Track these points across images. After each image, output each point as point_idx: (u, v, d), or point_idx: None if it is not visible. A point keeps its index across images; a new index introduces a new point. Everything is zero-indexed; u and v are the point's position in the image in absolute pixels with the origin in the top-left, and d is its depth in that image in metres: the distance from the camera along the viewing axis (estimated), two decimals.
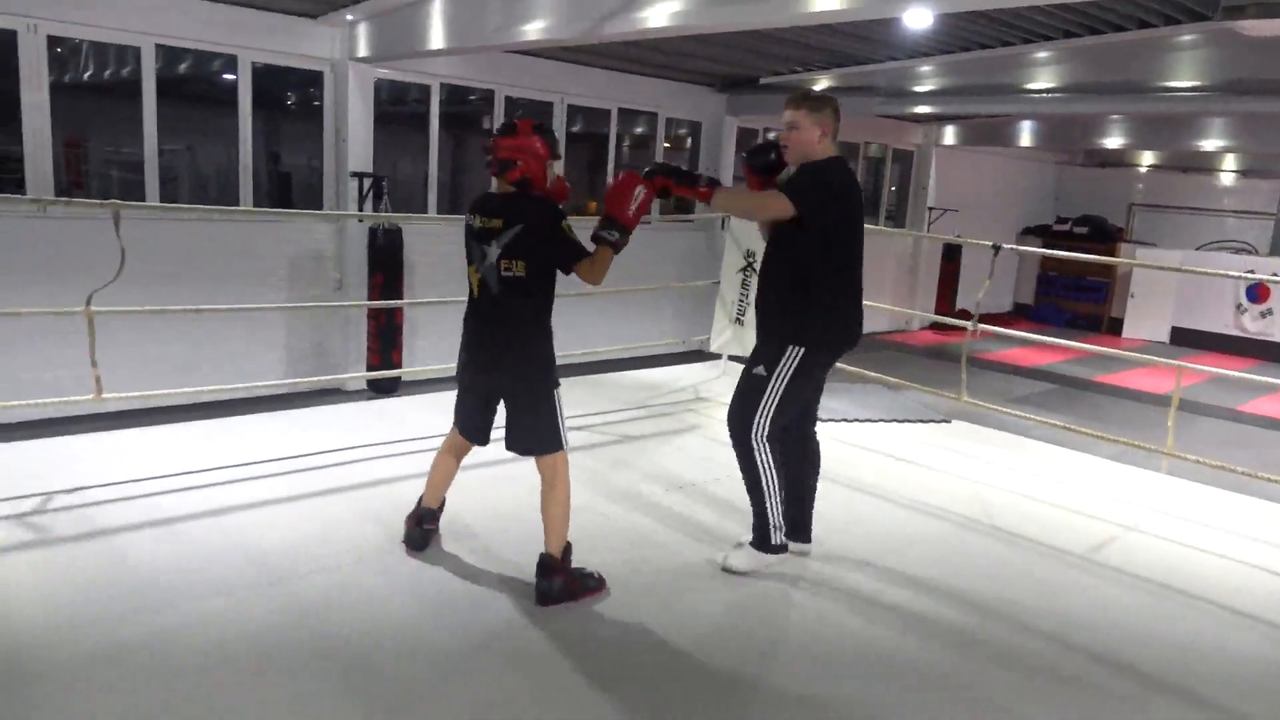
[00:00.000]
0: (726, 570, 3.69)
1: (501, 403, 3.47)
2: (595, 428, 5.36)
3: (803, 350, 3.48)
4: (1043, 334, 6.83)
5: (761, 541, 3.69)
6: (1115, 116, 12.14)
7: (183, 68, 7.88)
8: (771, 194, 3.47)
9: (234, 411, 5.27)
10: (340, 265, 8.65)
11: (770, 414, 3.54)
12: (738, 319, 6.19)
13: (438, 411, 4.69)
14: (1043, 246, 15.24)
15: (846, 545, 4.01)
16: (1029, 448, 5.75)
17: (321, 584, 3.35)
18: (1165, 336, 15.26)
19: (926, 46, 8.82)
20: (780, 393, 3.50)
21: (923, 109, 10.57)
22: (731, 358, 6.54)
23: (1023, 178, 16.91)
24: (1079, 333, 15.61)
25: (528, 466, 3.48)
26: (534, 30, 6.25)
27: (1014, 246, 5.87)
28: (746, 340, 6.21)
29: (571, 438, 4.96)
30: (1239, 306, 14.72)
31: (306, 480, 4.29)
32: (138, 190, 8.05)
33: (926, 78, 9.69)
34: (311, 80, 8.49)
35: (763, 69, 10.52)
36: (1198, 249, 15.37)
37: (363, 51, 8.07)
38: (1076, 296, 16.71)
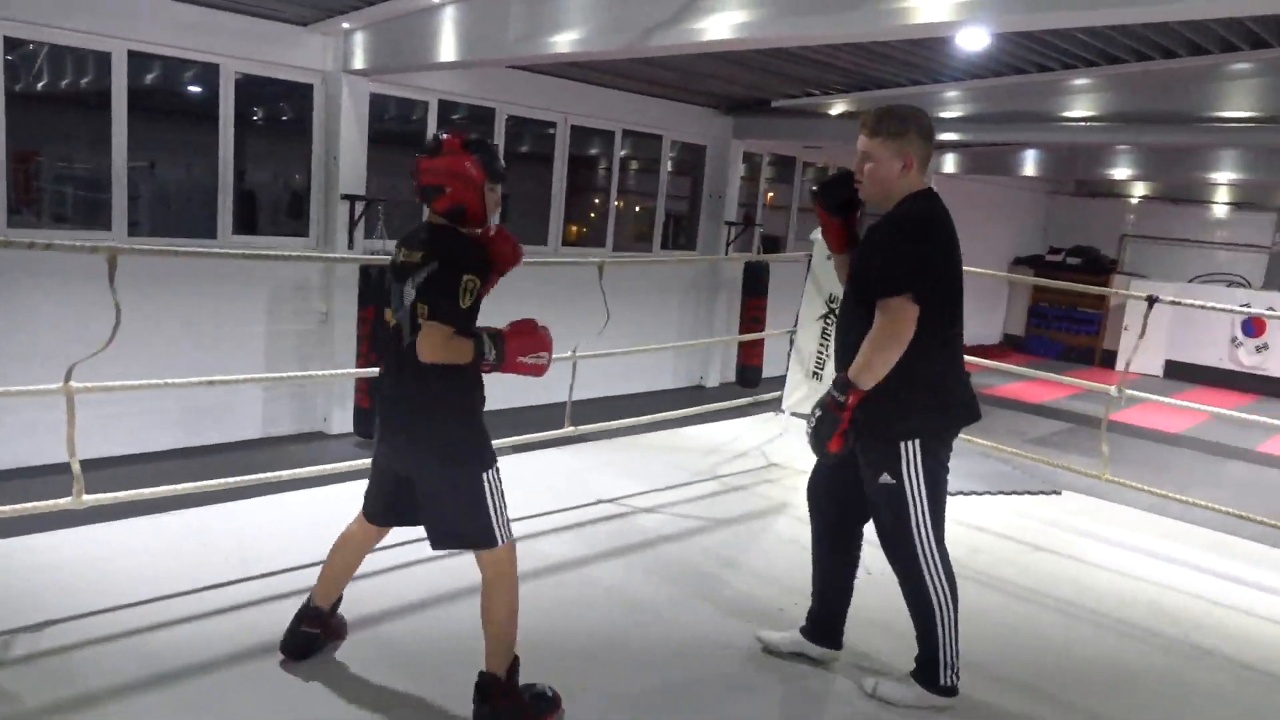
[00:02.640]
0: (875, 697, 3.04)
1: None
2: (674, 509, 4.62)
3: (919, 441, 2.82)
4: (1036, 367, 6.31)
5: (928, 679, 3.03)
6: (1123, 147, 11.84)
7: (149, 77, 7.10)
8: (890, 314, 2.71)
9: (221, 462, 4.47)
10: (327, 297, 7.88)
11: (929, 523, 2.89)
12: (815, 373, 5.52)
13: None
14: (1035, 276, 15.00)
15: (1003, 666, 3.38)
16: (1171, 529, 4.97)
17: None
18: (1159, 370, 15.00)
19: (956, 70, 8.36)
20: (924, 497, 2.85)
21: (947, 136, 10.10)
22: (798, 415, 5.82)
23: (1015, 207, 16.64)
24: (1072, 365, 15.32)
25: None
26: (565, 42, 5.61)
27: (1164, 297, 5.02)
28: None
29: (648, 522, 4.37)
30: (1234, 340, 14.52)
31: None
32: (96, 209, 7.21)
33: (953, 103, 9.23)
34: (287, 93, 7.74)
35: (775, 91, 10.00)
36: (1190, 281, 15.17)
37: (358, 63, 7.35)
38: (1069, 328, 16.43)
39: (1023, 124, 9.56)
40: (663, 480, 4.96)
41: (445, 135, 2.73)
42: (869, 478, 2.93)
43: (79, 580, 3.34)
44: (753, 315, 11.12)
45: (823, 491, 3.16)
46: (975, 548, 4.42)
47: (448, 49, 6.45)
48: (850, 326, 2.93)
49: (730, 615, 3.53)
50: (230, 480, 3.85)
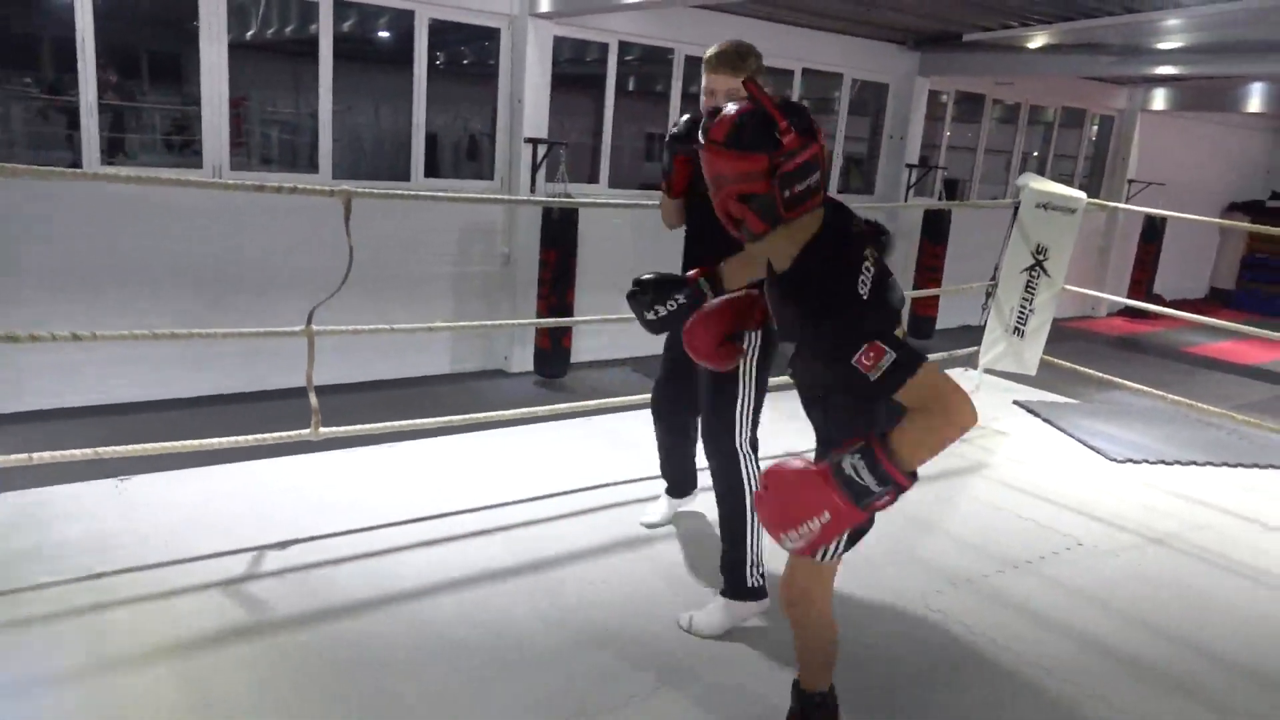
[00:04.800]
0: (694, 631, 2.92)
1: None
2: None
3: (759, 333, 2.90)
4: (1249, 325, 5.63)
5: (736, 585, 2.96)
6: None
7: (346, 24, 7.39)
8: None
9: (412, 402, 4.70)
10: (509, 239, 8.09)
11: (750, 413, 2.98)
12: (1016, 329, 5.22)
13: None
14: (1254, 223, 13.60)
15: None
16: None
17: None
18: None
19: None
20: (755, 384, 2.94)
21: (1163, 70, 9.20)
22: (990, 371, 5.55)
23: (1233, 147, 15.05)
24: None
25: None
26: None
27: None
28: (1026, 355, 5.25)
29: None
30: None
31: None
32: (297, 153, 7.66)
33: (1172, 33, 8.37)
34: (473, 37, 7.88)
35: (968, 23, 9.36)
36: None
37: (544, 6, 7.40)
38: None
39: (1250, 54, 8.55)
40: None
41: (804, 107, 2.04)
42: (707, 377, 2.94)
43: (316, 503, 3.62)
44: (929, 264, 10.64)
45: (662, 397, 3.44)
46: (1200, 524, 4.09)
47: None
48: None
49: (930, 578, 3.42)
50: (444, 419, 4.07)
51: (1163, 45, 8.63)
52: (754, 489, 2.91)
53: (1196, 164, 14.31)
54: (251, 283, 6.86)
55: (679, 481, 3.65)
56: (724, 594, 2.97)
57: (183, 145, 7.30)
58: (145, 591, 2.92)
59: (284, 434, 3.67)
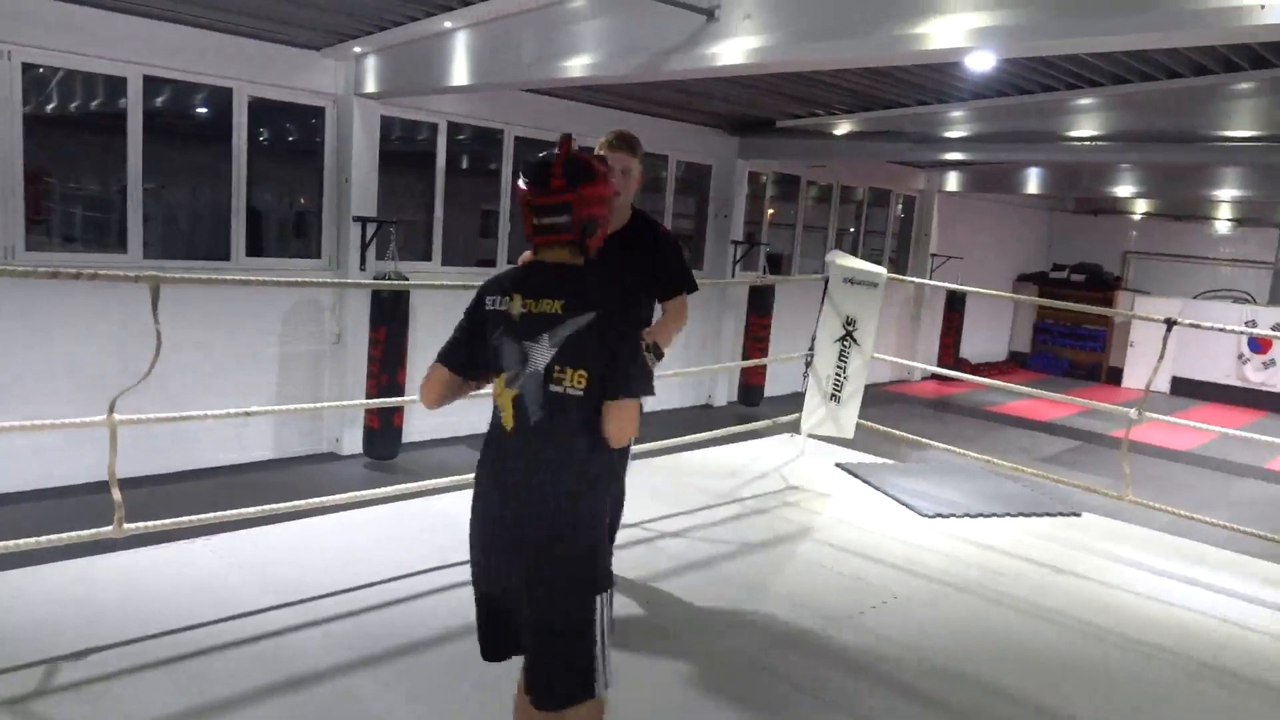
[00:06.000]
0: None
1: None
2: (694, 533, 4.59)
3: None
4: (1041, 384, 6.32)
5: None
6: (1127, 165, 11.90)
7: (159, 100, 7.15)
8: (677, 303, 3.24)
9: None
10: (339, 317, 7.91)
11: None
12: (833, 396, 5.53)
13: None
14: (1039, 294, 15.05)
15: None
16: (1194, 551, 4.87)
17: None
18: (1165, 386, 15.01)
19: (962, 90, 8.42)
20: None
21: (952, 156, 10.17)
22: (814, 436, 5.86)
23: (1018, 224, 16.71)
24: (1078, 382, 15.33)
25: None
26: (579, 66, 5.66)
27: (1180, 319, 4.88)
28: (843, 419, 5.57)
29: (670, 546, 4.34)
30: (1240, 357, 14.56)
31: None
32: (106, 230, 7.26)
33: (958, 123, 9.29)
34: (298, 116, 7.79)
35: (780, 111, 10.07)
36: (1195, 297, 15.21)
37: (370, 87, 7.41)
38: (1075, 344, 16.46)
39: (1027, 143, 9.61)
40: (683, 504, 4.96)
41: (583, 156, 2.25)
42: None
43: (116, 607, 3.35)
44: (757, 334, 11.16)
45: None
46: (1000, 571, 4.42)
47: (460, 73, 6.50)
48: None
49: (765, 640, 3.53)
50: (257, 509, 3.87)
51: (951, 134, 9.55)
52: None
53: (989, 239, 15.78)
54: (50, 369, 6.38)
55: None
56: None
57: None
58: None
59: (81, 533, 3.41)
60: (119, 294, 4.72)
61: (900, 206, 14.42)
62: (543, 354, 2.11)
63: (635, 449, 5.23)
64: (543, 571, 2.11)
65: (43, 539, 3.32)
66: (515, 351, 2.15)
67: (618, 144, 3.21)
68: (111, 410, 3.39)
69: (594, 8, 5.52)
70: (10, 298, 6.19)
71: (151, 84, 6.87)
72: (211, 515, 3.73)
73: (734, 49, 4.82)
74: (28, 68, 6.29)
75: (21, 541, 3.28)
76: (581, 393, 2.10)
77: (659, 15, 5.01)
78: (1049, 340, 16.75)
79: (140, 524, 3.54)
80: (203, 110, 7.58)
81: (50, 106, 6.96)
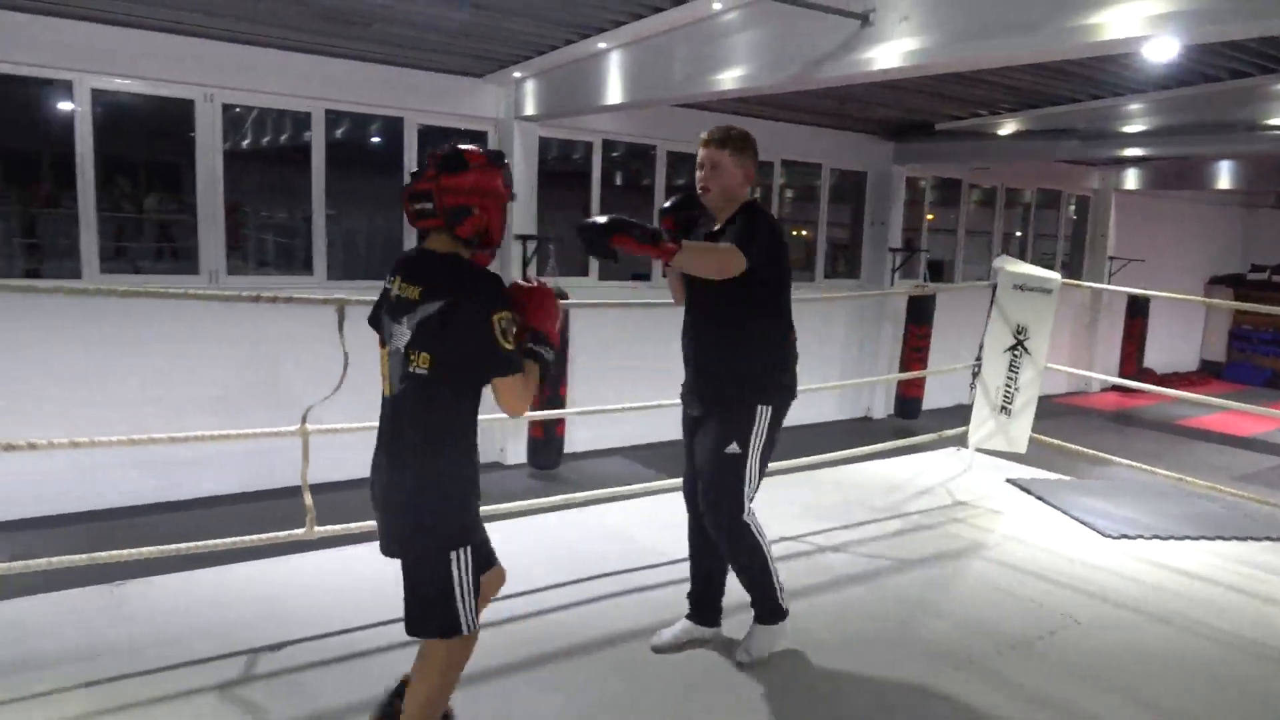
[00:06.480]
0: (746, 664, 3.23)
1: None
2: (855, 548, 4.47)
3: (771, 409, 3.10)
4: (1238, 396, 5.71)
5: (771, 614, 3.27)
6: None
7: (338, 132, 7.67)
8: (728, 247, 2.96)
9: None
10: None
11: (754, 489, 3.13)
12: (1003, 408, 5.28)
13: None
14: (1235, 297, 13.85)
15: None
16: None
17: None
18: None
19: (1141, 82, 7.88)
20: (759, 462, 3.10)
21: (1131, 151, 9.53)
22: (982, 450, 5.62)
23: (1207, 223, 15.43)
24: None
25: None
26: (730, 79, 5.68)
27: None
28: (1014, 432, 5.30)
29: (830, 560, 4.27)
30: None
31: None
32: (291, 254, 7.84)
33: (1135, 117, 8.70)
34: (461, 140, 8.14)
35: (939, 114, 9.74)
36: None
37: (529, 109, 7.70)
38: (1278, 353, 15.02)
39: (1217, 134, 8.89)
40: (843, 518, 4.85)
41: (464, 149, 2.40)
42: (714, 446, 3.09)
43: (309, 604, 3.60)
44: (915, 345, 10.79)
45: (692, 487, 3.33)
46: (1196, 598, 4.08)
47: (614, 92, 6.65)
48: (711, 343, 3.16)
49: (930, 662, 3.40)
50: None
51: (1128, 128, 8.95)
52: (767, 546, 3.15)
53: (1175, 240, 14.65)
54: (251, 383, 6.94)
55: (703, 605, 3.40)
56: (760, 618, 3.27)
57: (180, 252, 7.47)
58: (136, 698, 2.90)
59: (278, 534, 3.69)
60: (310, 314, 5.10)
61: (1072, 208, 13.64)
62: (403, 335, 2.33)
63: (793, 462, 5.18)
64: (394, 528, 2.41)
65: (243, 539, 3.61)
66: (389, 327, 2.40)
67: (705, 138, 3.19)
68: (304, 421, 3.65)
69: (745, 20, 5.54)
70: (218, 319, 6.77)
71: (332, 117, 7.39)
72: None
73: (890, 52, 4.71)
74: (226, 108, 6.91)
75: (224, 541, 3.58)
76: (426, 372, 2.30)
77: (812, 23, 4.96)
78: (1247, 348, 15.35)
79: (329, 527, 3.79)
80: (376, 140, 8.09)
81: (245, 142, 7.61)
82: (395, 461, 2.37)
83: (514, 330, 2.31)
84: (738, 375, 3.10)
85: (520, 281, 2.52)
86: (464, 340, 2.27)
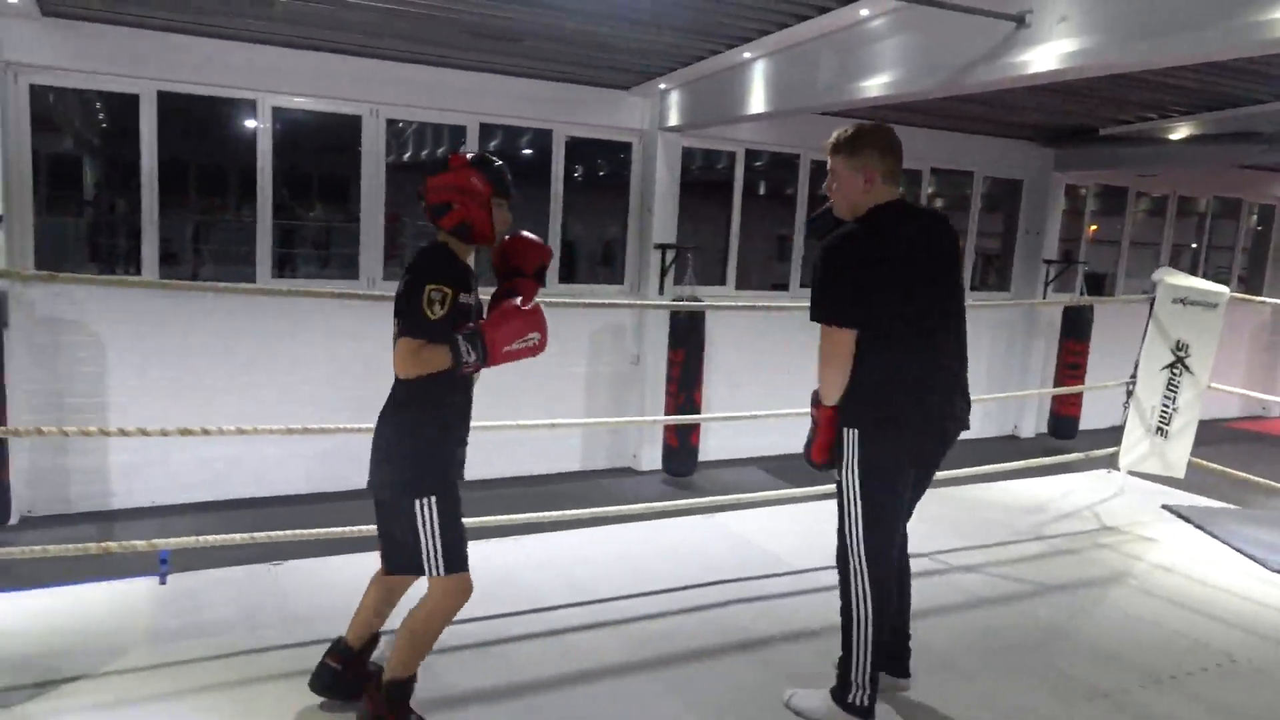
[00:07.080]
0: (791, 707, 2.99)
1: None
2: (991, 568, 4.34)
3: (858, 432, 2.81)
4: None
5: (840, 692, 2.90)
6: None
7: (491, 145, 7.99)
8: (824, 338, 2.83)
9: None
10: (639, 339, 8.36)
11: (861, 524, 2.83)
12: (1159, 429, 4.98)
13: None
14: None
15: None
16: None
17: None
18: None
19: None
20: (859, 494, 2.82)
21: None
22: (1136, 474, 5.31)
23: None
24: None
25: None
26: (877, 86, 5.59)
27: None
28: (1171, 456, 5.00)
29: (964, 580, 4.15)
30: None
31: None
32: None
33: None
34: (605, 151, 8.34)
35: (1102, 117, 9.23)
36: None
37: (673, 120, 7.81)
38: None
39: None
40: (981, 537, 4.69)
41: (452, 153, 2.75)
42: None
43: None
44: (1071, 361, 10.23)
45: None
46: None
47: (757, 101, 6.66)
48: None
49: (1060, 691, 3.25)
50: (574, 512, 4.29)
51: None
52: (867, 608, 2.82)
53: None
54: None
55: (890, 654, 3.02)
56: (831, 691, 2.93)
57: (340, 259, 7.96)
58: (288, 669, 3.14)
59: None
60: None
61: (1255, 217, 12.61)
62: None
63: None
64: (370, 475, 2.76)
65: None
66: None
67: (824, 145, 3.03)
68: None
69: (893, 25, 5.44)
70: (370, 321, 7.20)
71: (486, 130, 7.73)
72: (523, 516, 4.11)
73: (1048, 55, 4.53)
74: (390, 123, 7.35)
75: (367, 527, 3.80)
76: (394, 339, 2.65)
77: (963, 26, 4.82)
78: None
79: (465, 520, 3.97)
80: (527, 151, 8.40)
81: (406, 155, 8.06)
82: (379, 418, 2.76)
83: (445, 306, 2.56)
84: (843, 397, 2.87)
85: (516, 302, 2.81)
86: (404, 306, 2.59)
